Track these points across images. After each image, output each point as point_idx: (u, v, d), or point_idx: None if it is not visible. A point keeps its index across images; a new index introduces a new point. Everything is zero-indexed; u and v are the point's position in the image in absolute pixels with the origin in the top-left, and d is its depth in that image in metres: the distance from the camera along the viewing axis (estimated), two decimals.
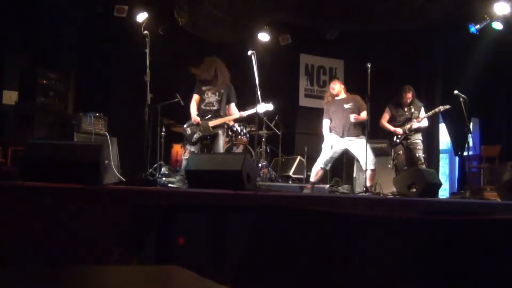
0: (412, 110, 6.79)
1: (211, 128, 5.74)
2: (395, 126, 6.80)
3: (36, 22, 6.81)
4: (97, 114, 6.53)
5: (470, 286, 1.07)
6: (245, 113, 6.02)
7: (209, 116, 5.77)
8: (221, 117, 5.84)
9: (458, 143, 9.01)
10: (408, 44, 8.88)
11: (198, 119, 5.72)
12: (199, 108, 5.81)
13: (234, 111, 6.00)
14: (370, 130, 5.87)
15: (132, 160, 6.54)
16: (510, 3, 7.16)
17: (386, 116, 6.90)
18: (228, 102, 5.93)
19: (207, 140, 5.84)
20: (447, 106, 6.74)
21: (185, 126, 5.82)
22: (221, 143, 5.87)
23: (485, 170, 8.51)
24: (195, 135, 5.72)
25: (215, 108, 5.81)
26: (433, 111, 6.81)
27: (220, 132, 5.83)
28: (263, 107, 5.81)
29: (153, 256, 2.66)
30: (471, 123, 7.58)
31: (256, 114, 5.84)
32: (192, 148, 5.72)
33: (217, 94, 5.82)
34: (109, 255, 2.53)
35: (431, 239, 1.09)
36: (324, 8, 7.72)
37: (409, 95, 6.75)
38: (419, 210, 3.81)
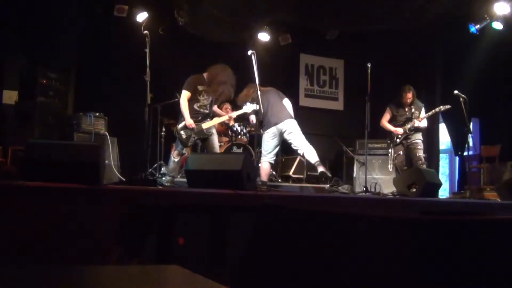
0: (413, 110, 6.79)
1: (205, 131, 5.71)
2: (395, 126, 6.80)
3: (36, 22, 6.80)
4: (97, 114, 6.53)
5: (470, 285, 1.07)
6: (234, 114, 6.12)
7: (200, 118, 5.72)
8: (211, 119, 5.84)
9: (458, 143, 9.01)
10: (408, 44, 8.88)
11: (193, 123, 5.66)
12: (190, 107, 5.67)
13: (219, 111, 6.13)
14: (368, 130, 5.89)
15: (132, 160, 6.54)
16: (510, 3, 7.16)
17: (387, 116, 6.90)
18: None
19: (200, 142, 5.87)
20: (448, 106, 6.71)
21: (179, 128, 5.69)
22: (217, 142, 5.90)
23: (485, 170, 8.51)
24: (191, 138, 5.69)
25: (207, 111, 5.79)
26: (433, 110, 6.79)
27: (214, 131, 5.85)
28: (250, 107, 5.87)
29: (153, 256, 2.66)
30: (471, 123, 7.58)
31: (243, 114, 5.99)
32: (184, 150, 5.71)
33: (210, 97, 5.81)
34: (109, 255, 2.52)
35: (431, 239, 1.08)
36: (324, 8, 7.71)
37: (409, 95, 6.74)
38: (419, 210, 3.81)
